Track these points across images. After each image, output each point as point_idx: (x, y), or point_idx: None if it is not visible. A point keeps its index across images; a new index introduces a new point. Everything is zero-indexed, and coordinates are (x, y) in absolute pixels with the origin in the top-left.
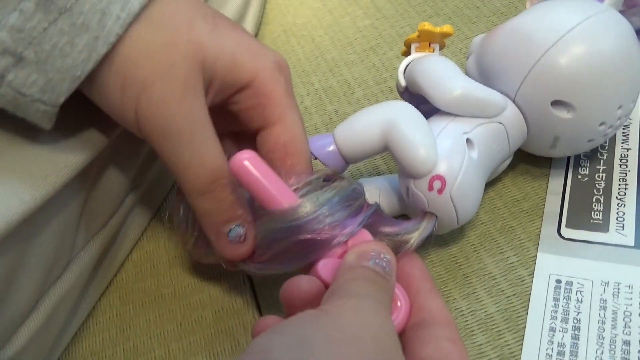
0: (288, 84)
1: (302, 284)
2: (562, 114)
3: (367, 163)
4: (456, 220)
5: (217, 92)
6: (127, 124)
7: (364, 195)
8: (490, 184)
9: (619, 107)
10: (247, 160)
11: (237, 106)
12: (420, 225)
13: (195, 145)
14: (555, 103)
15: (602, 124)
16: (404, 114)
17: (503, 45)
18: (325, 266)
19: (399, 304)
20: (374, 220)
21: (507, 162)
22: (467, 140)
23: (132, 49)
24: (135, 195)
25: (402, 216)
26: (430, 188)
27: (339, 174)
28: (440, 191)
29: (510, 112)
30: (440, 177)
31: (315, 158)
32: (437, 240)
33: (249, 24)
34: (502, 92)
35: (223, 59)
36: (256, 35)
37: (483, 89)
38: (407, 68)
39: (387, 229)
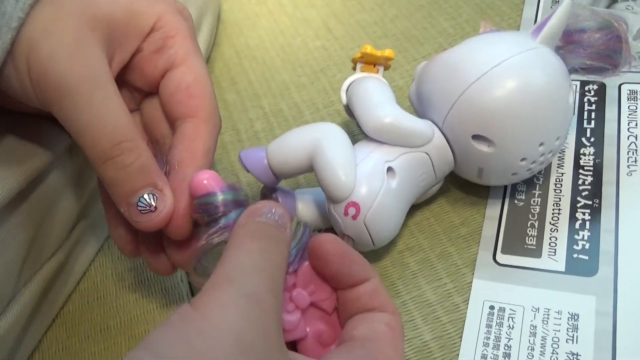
0: (191, 31)
1: None
2: (483, 147)
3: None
4: (372, 243)
5: (123, 46)
6: (29, 97)
7: (309, 227)
8: (429, 210)
9: (541, 144)
10: (206, 180)
11: (143, 54)
12: None
13: (94, 105)
14: (476, 137)
15: (523, 159)
16: (331, 137)
17: (436, 74)
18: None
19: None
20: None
21: (437, 186)
22: (389, 168)
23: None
24: (83, 226)
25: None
26: (346, 213)
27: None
28: (354, 217)
29: (437, 141)
30: (355, 204)
31: (248, 171)
32: (378, 267)
33: (200, 45)
34: (433, 121)
35: (118, 10)
36: (208, 57)
37: (411, 119)
38: (349, 87)
39: None
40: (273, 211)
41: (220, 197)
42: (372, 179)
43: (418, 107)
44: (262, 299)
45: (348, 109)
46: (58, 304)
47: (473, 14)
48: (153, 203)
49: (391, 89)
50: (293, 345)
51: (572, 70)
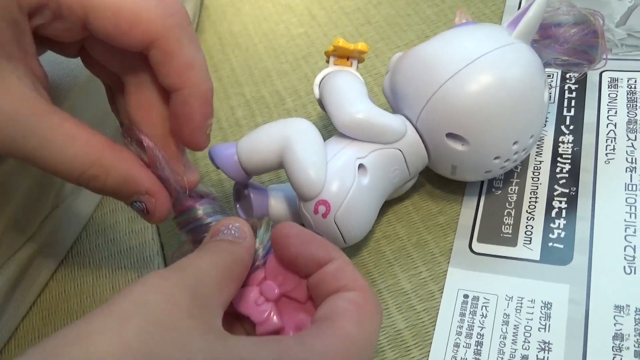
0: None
1: None
2: (457, 145)
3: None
4: (343, 241)
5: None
6: None
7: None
8: (408, 198)
9: (515, 143)
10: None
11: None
12: None
13: (42, 147)
14: (450, 135)
15: (496, 158)
16: (301, 134)
17: (410, 69)
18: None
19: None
20: None
21: (412, 182)
22: (360, 165)
23: None
24: (58, 215)
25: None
26: (316, 211)
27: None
28: (324, 215)
29: (411, 138)
30: (325, 202)
31: (218, 168)
32: (355, 255)
33: None
34: (406, 116)
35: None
36: None
37: (383, 115)
38: (322, 81)
39: None
40: (230, 226)
41: (200, 211)
42: (343, 177)
43: (392, 100)
44: (178, 298)
45: (321, 103)
46: (34, 292)
47: (457, 0)
48: (143, 207)
49: (364, 83)
50: None
51: (548, 64)
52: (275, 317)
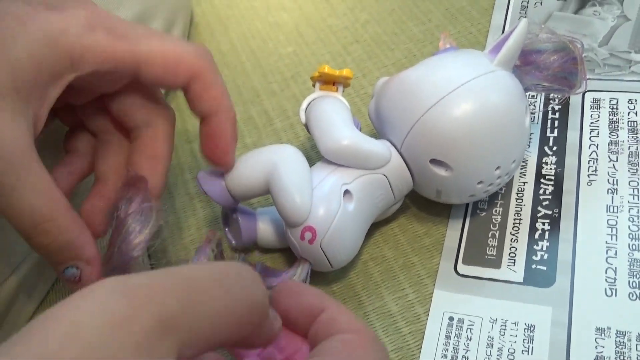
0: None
1: None
2: (440, 171)
3: None
4: (330, 266)
5: (45, 92)
6: None
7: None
8: (395, 220)
9: (497, 168)
10: None
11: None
12: (296, 272)
13: (7, 195)
14: (434, 161)
15: (480, 182)
16: (288, 160)
17: (395, 95)
18: None
19: None
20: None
21: (397, 205)
22: (346, 191)
23: None
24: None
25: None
26: (302, 238)
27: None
28: (311, 241)
29: (395, 162)
30: (311, 229)
31: (206, 194)
32: (343, 277)
33: None
34: (391, 141)
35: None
36: None
37: (368, 142)
38: (308, 107)
39: (271, 280)
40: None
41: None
42: (329, 203)
43: (377, 125)
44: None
45: (308, 128)
46: (34, 301)
47: (443, 19)
48: (77, 274)
49: (349, 109)
50: None
51: (529, 90)
52: None
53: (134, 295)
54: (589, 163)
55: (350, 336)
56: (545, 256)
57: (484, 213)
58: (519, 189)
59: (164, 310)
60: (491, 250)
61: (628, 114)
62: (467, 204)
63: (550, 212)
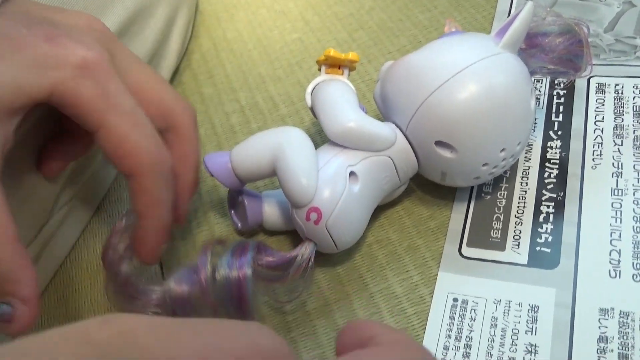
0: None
1: None
2: (445, 153)
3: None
4: (335, 247)
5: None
6: None
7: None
8: (400, 203)
9: (502, 150)
10: None
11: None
12: (300, 251)
13: None
14: (439, 143)
15: (484, 164)
16: (294, 142)
17: (400, 78)
18: None
19: None
20: (259, 254)
21: (402, 188)
22: (352, 173)
23: None
24: (58, 219)
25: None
26: (308, 218)
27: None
28: (316, 222)
29: (400, 145)
30: (316, 209)
31: (212, 175)
32: (348, 260)
33: (175, 38)
34: (397, 124)
35: None
36: (185, 50)
37: (373, 124)
38: (314, 90)
39: (269, 259)
40: None
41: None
42: (334, 184)
43: (382, 108)
44: None
45: (313, 111)
46: None
47: (448, 5)
48: (8, 312)
49: (355, 91)
50: None
51: (534, 73)
52: None
53: None
54: (593, 147)
55: (388, 352)
56: (550, 238)
57: (489, 196)
58: (524, 173)
59: None
60: (496, 232)
61: (633, 99)
62: (472, 188)
63: (554, 196)
